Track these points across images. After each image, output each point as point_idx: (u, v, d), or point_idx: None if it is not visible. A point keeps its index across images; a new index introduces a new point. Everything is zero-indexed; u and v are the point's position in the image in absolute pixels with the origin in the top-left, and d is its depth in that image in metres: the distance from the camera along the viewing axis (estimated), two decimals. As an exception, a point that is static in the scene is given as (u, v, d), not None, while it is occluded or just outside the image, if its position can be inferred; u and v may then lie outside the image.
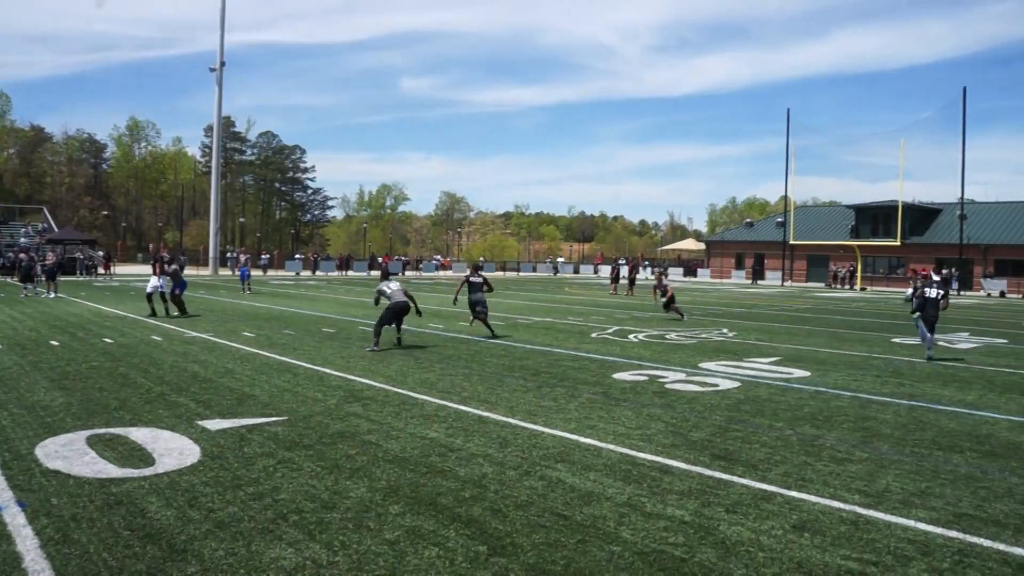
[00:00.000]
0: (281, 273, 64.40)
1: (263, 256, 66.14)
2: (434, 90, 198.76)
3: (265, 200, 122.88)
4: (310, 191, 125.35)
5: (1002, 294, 52.14)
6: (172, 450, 7.23)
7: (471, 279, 17.92)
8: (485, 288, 17.74)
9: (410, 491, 6.19)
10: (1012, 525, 5.84)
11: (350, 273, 66.20)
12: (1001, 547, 5.36)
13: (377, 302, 16.42)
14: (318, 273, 64.69)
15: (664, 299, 24.51)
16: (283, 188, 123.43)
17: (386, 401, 9.85)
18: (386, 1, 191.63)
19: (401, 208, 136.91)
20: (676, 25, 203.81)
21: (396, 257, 79.28)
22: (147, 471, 6.54)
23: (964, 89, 53.28)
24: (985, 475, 7.21)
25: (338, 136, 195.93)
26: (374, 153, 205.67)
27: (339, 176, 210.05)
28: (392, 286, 15.98)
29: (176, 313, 21.03)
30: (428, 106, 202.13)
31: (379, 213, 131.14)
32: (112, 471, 6.52)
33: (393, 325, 15.94)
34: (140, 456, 7.02)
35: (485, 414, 9.21)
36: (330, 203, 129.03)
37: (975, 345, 18.64)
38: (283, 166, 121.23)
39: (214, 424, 8.35)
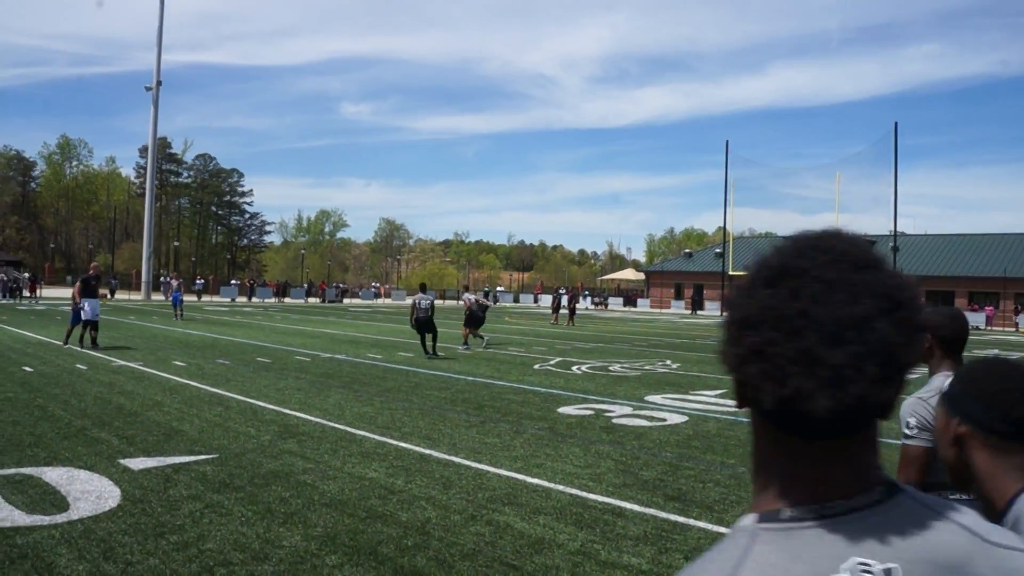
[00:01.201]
0: (216, 299, 63.07)
1: (197, 281, 64.73)
2: (374, 116, 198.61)
3: (201, 224, 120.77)
4: (247, 215, 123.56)
5: (933, 326, 53.21)
6: (89, 493, 6.67)
7: (480, 302, 23.97)
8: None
9: (348, 538, 5.76)
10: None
11: (287, 300, 65.13)
12: None
13: (411, 318, 19.92)
14: (254, 299, 63.51)
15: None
16: (220, 212, 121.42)
17: (323, 437, 9.37)
18: (326, 26, 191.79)
19: (340, 234, 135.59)
20: (616, 57, 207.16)
21: (334, 284, 78.25)
22: (59, 518, 5.99)
23: (896, 124, 54.73)
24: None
25: (277, 160, 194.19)
26: (313, 178, 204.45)
27: (277, 201, 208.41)
28: (422, 303, 19.57)
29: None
30: (368, 132, 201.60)
31: (317, 239, 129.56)
32: (19, 518, 5.94)
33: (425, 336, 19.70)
34: (53, 500, 6.46)
35: (427, 452, 8.79)
36: (268, 228, 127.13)
37: (914, 376, 18.74)
38: (220, 189, 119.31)
39: (137, 463, 7.79)
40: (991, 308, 54.80)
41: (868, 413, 0.95)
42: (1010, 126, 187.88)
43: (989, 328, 52.33)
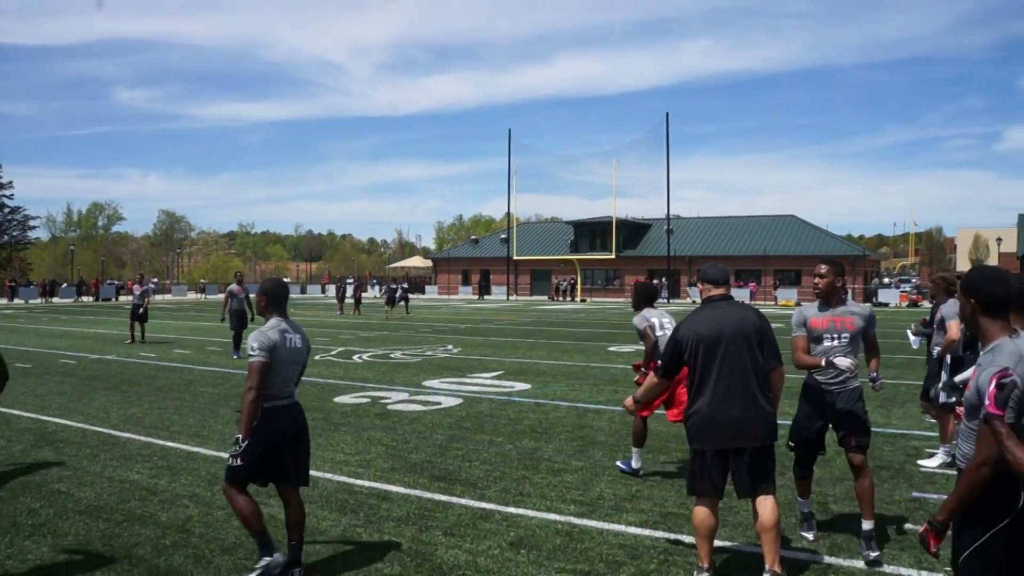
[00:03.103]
0: (-28, 302, 58.12)
1: (-50, 284, 59.37)
2: (152, 103, 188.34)
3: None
4: (7, 210, 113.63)
5: (704, 301, 56.76)
6: None
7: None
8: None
9: (102, 544, 5.61)
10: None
11: (56, 300, 60.94)
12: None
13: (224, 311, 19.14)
14: (16, 301, 58.96)
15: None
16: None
17: (83, 443, 8.97)
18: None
19: (115, 228, 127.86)
20: (405, 44, 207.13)
21: (108, 281, 73.92)
22: None
23: (667, 114, 57.69)
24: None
25: (41, 149, 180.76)
26: (85, 169, 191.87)
27: (44, 193, 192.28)
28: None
29: None
30: (146, 120, 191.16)
31: (90, 234, 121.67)
32: None
33: None
34: None
35: (195, 449, 8.62)
36: (32, 223, 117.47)
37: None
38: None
39: None
40: (754, 284, 59.00)
41: None
42: (772, 117, 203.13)
43: (753, 302, 56.41)
